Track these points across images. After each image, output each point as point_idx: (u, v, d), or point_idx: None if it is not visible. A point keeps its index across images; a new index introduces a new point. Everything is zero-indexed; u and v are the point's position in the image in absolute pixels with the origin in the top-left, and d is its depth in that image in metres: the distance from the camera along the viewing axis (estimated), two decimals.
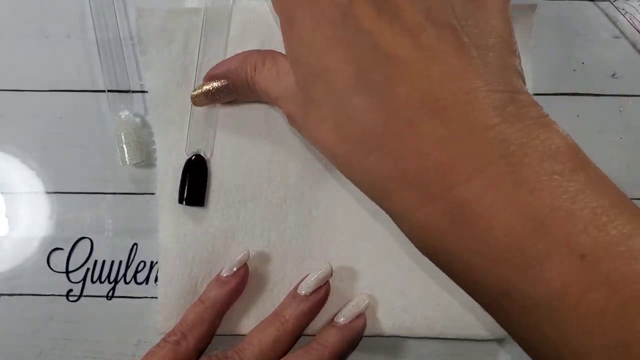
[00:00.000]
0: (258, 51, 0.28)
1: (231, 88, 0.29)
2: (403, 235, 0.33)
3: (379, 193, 0.22)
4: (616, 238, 0.17)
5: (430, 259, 0.22)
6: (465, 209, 0.19)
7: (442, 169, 0.19)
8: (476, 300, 0.21)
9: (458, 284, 0.21)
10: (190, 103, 0.32)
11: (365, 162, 0.21)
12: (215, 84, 0.29)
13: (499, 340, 0.34)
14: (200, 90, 0.30)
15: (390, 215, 0.22)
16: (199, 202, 0.32)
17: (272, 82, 0.26)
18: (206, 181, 0.33)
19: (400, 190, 0.20)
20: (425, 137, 0.20)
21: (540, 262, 0.18)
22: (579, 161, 0.19)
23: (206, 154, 0.33)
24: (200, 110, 0.32)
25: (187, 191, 0.32)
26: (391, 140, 0.20)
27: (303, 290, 0.31)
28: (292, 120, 0.26)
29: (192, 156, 0.33)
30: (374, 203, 0.33)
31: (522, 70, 0.22)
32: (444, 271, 0.22)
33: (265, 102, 0.31)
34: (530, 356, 0.20)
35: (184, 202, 0.32)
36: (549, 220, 0.18)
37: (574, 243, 0.17)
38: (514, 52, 0.22)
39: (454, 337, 0.33)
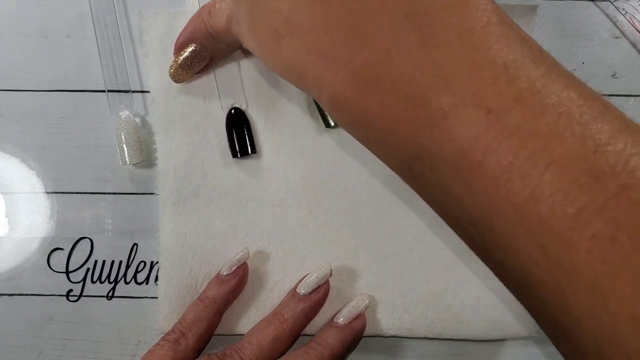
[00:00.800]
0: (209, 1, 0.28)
1: (201, 49, 0.29)
2: (403, 236, 0.33)
3: (295, 75, 0.22)
4: (527, 92, 0.17)
5: (350, 133, 0.22)
6: (368, 73, 0.19)
7: (345, 36, 0.19)
8: (393, 170, 0.21)
9: (377, 156, 0.21)
10: (212, 69, 0.32)
11: (280, 47, 0.21)
12: (187, 51, 0.29)
13: (499, 341, 0.34)
14: (176, 65, 0.30)
15: (310, 95, 0.23)
16: (252, 150, 0.33)
17: (223, 13, 0.27)
18: (251, 130, 0.33)
19: (311, 66, 0.20)
20: (329, 8, 0.19)
21: (444, 118, 0.17)
22: (494, 14, 0.18)
23: (242, 105, 0.33)
24: (222, 69, 0.33)
25: (238, 144, 0.33)
26: (298, 19, 0.20)
27: (302, 290, 0.31)
28: (242, 42, 0.26)
29: (231, 109, 0.33)
30: (375, 203, 0.33)
31: None
32: (365, 145, 0.21)
33: (234, 45, 0.30)
34: (448, 224, 0.20)
35: (238, 154, 0.33)
36: (455, 74, 0.17)
37: (480, 97, 0.17)
38: None
39: (454, 337, 0.33)
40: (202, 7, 0.28)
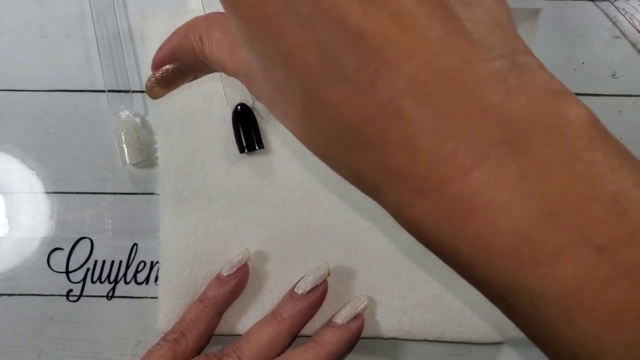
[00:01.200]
0: (200, 19, 0.24)
1: (184, 68, 0.25)
2: (403, 237, 0.33)
3: (367, 188, 0.20)
4: (638, 226, 0.15)
5: (434, 253, 0.20)
6: (463, 205, 0.17)
7: (434, 162, 0.17)
8: (485, 296, 0.20)
9: (465, 279, 0.20)
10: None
11: (345, 156, 0.19)
12: (168, 69, 0.25)
13: (499, 342, 0.34)
14: (152, 80, 0.26)
15: (385, 208, 0.20)
16: (259, 145, 0.33)
17: (226, 55, 0.23)
18: (257, 125, 0.33)
19: (389, 186, 0.18)
20: (413, 127, 0.17)
21: (551, 258, 0.16)
22: (597, 137, 0.17)
23: (248, 102, 0.33)
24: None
25: (245, 139, 0.33)
26: (372, 133, 0.17)
27: (300, 289, 0.31)
28: (258, 98, 0.23)
29: (237, 106, 0.33)
30: (375, 204, 0.33)
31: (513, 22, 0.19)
32: (449, 265, 0.20)
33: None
34: (545, 353, 0.19)
35: (245, 150, 0.33)
36: (562, 211, 0.16)
37: (590, 234, 0.16)
38: (503, 1, 0.18)
39: (454, 340, 0.33)
40: (189, 27, 0.24)
